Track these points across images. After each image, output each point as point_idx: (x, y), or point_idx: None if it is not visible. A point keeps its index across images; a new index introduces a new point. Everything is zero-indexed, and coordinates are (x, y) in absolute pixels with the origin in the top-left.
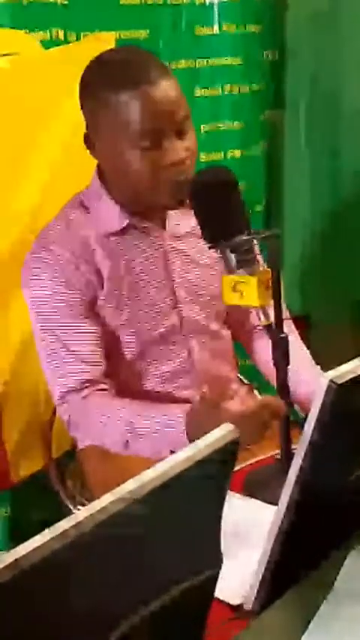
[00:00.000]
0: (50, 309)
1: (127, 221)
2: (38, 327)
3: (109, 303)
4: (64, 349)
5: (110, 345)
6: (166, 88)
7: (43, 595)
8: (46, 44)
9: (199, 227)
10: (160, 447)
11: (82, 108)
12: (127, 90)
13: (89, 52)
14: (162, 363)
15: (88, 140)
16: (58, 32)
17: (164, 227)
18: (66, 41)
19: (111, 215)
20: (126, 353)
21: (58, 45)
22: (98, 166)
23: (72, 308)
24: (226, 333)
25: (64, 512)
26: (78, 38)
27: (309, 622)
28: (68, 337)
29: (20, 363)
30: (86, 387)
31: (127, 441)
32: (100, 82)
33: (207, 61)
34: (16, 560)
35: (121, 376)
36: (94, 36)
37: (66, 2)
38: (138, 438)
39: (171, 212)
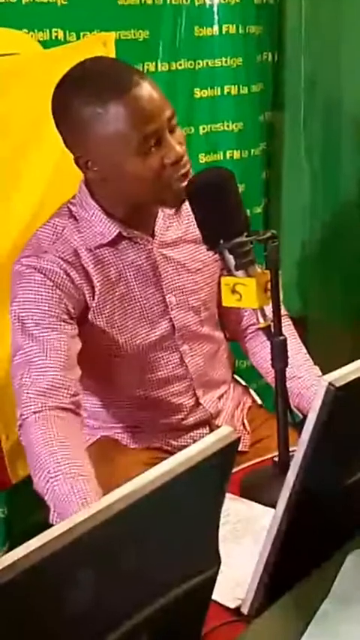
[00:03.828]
0: (32, 312)
1: (117, 231)
2: (17, 333)
3: (100, 312)
4: (38, 350)
5: (103, 353)
6: (150, 89)
7: (41, 597)
8: (46, 44)
9: (190, 231)
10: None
11: (61, 131)
12: (115, 99)
13: (89, 52)
14: (155, 370)
15: (78, 162)
16: (57, 32)
17: (153, 235)
18: (65, 41)
19: (101, 227)
20: (119, 361)
21: (57, 45)
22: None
23: (54, 311)
24: (219, 335)
25: None
26: (78, 38)
27: (308, 624)
28: (44, 340)
29: None
30: (47, 401)
31: (40, 483)
32: (82, 99)
33: (206, 62)
34: (15, 561)
35: (115, 384)
36: (95, 36)
37: (65, 2)
38: (51, 486)
39: (159, 219)
